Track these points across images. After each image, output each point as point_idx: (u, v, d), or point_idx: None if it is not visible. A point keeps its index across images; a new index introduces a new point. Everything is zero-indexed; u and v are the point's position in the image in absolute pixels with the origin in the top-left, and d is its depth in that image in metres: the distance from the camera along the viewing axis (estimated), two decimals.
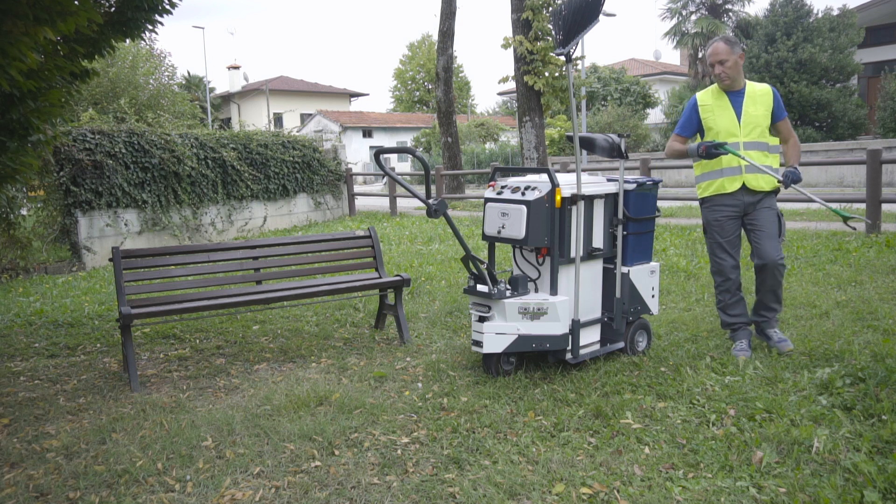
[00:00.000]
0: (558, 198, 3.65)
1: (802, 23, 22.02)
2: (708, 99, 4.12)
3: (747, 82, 4.09)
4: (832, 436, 2.85)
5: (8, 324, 5.91)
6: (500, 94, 46.47)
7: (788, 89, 21.58)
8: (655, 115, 31.23)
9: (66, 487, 2.76)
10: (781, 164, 4.22)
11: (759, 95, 4.04)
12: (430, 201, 3.73)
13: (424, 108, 45.42)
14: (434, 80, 14.21)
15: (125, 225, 10.16)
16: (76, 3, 3.23)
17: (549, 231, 3.67)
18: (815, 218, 10.31)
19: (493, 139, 32.64)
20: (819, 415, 3.07)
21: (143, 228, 10.41)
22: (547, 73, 13.29)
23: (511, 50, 13.53)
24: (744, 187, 3.98)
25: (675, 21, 28.24)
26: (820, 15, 22.49)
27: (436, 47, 18.69)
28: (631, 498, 2.50)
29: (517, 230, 3.66)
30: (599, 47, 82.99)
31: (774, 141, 4.07)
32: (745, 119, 3.99)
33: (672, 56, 42.56)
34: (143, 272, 4.65)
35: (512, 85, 13.59)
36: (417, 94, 45.88)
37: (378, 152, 4.04)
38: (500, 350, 3.66)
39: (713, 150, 3.91)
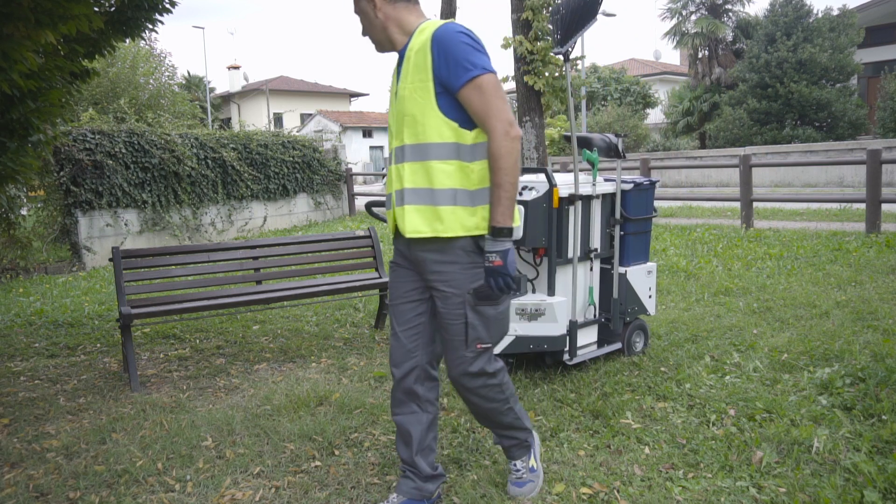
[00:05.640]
0: (556, 198, 3.63)
1: (802, 23, 22.03)
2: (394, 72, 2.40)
3: (416, 32, 2.24)
4: (832, 436, 2.85)
5: (8, 324, 5.91)
6: None
7: (788, 89, 21.60)
8: (655, 115, 31.23)
9: (66, 487, 2.76)
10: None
11: (416, 54, 2.18)
12: None
13: None
14: None
15: (125, 225, 10.16)
16: (77, 5, 3.23)
17: (546, 231, 3.66)
18: (814, 218, 10.32)
19: None
20: (819, 415, 3.07)
21: (143, 228, 10.41)
22: (547, 74, 13.27)
23: (511, 50, 13.52)
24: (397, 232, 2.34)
25: (675, 21, 28.18)
26: (820, 15, 22.51)
27: None
28: (631, 498, 2.50)
29: (514, 230, 3.63)
30: (599, 47, 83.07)
31: (461, 137, 2.17)
32: (396, 104, 2.28)
33: (672, 56, 42.59)
34: (144, 272, 4.65)
35: (512, 85, 13.58)
36: None
37: (370, 204, 4.09)
38: (496, 351, 3.64)
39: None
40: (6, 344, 5.23)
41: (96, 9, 4.30)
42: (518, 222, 2.32)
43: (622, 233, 3.97)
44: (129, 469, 2.87)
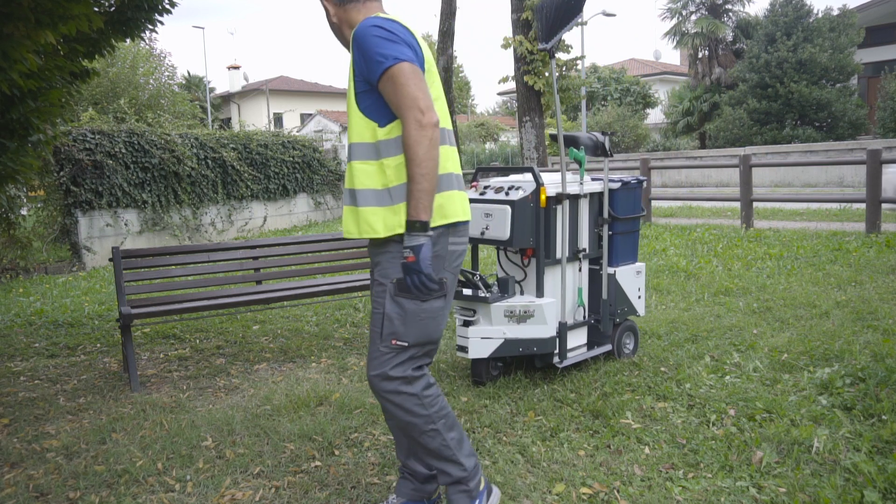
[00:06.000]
0: (543, 197, 3.52)
1: (802, 23, 22.04)
2: None
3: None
4: (832, 436, 2.85)
5: (8, 324, 5.91)
6: (500, 94, 46.46)
7: (788, 89, 21.60)
8: (655, 115, 31.24)
9: (66, 487, 2.76)
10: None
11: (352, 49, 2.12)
12: None
13: None
14: None
15: (125, 225, 10.16)
16: (77, 5, 3.24)
17: (534, 232, 3.55)
18: (815, 218, 10.32)
19: (493, 139, 32.63)
20: (819, 415, 3.07)
21: (143, 228, 10.41)
22: (547, 73, 13.30)
23: (511, 50, 13.54)
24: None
25: (675, 21, 28.20)
26: (820, 15, 22.52)
27: (436, 47, 18.72)
28: (631, 498, 2.50)
29: (502, 231, 3.52)
30: (599, 47, 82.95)
31: (377, 135, 2.10)
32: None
33: (672, 56, 42.56)
34: (143, 272, 4.66)
35: (512, 85, 13.61)
36: None
37: None
38: (486, 355, 3.53)
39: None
40: (6, 344, 5.23)
41: (96, 9, 4.30)
42: (461, 217, 2.20)
43: (610, 233, 3.91)
44: (129, 469, 2.87)
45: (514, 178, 3.79)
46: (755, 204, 10.11)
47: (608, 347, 3.99)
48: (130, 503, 2.62)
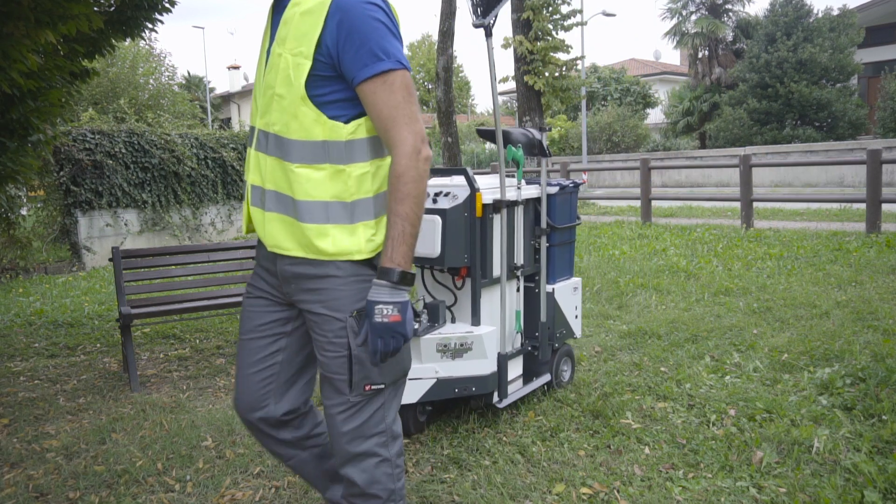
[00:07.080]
0: (479, 205, 2.95)
1: (802, 23, 22.06)
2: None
3: None
4: (832, 436, 2.85)
5: (8, 324, 5.91)
6: (500, 93, 46.46)
7: (788, 89, 21.60)
8: (655, 115, 31.25)
9: (65, 487, 2.76)
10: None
11: (302, 16, 1.60)
12: None
13: (424, 108, 45.36)
14: (434, 80, 14.24)
15: (125, 225, 10.16)
16: (77, 4, 3.24)
17: (468, 246, 2.98)
18: (815, 218, 10.32)
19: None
20: (819, 415, 3.07)
21: (143, 228, 10.41)
22: (547, 73, 13.30)
23: (511, 50, 13.54)
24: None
25: (675, 21, 28.20)
26: (820, 15, 22.55)
27: (436, 47, 18.74)
28: (631, 498, 2.50)
29: (430, 247, 2.93)
30: (599, 47, 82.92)
31: (333, 132, 1.62)
32: (265, 72, 1.70)
33: (672, 56, 42.56)
34: (143, 272, 4.66)
35: (512, 85, 13.63)
36: (417, 93, 45.68)
37: None
38: (414, 400, 2.91)
39: None
40: (6, 344, 5.23)
41: (96, 9, 4.31)
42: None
43: (548, 244, 3.39)
44: (129, 469, 2.87)
45: (440, 181, 3.15)
46: (755, 204, 10.12)
47: (547, 378, 3.46)
48: (130, 503, 2.62)
